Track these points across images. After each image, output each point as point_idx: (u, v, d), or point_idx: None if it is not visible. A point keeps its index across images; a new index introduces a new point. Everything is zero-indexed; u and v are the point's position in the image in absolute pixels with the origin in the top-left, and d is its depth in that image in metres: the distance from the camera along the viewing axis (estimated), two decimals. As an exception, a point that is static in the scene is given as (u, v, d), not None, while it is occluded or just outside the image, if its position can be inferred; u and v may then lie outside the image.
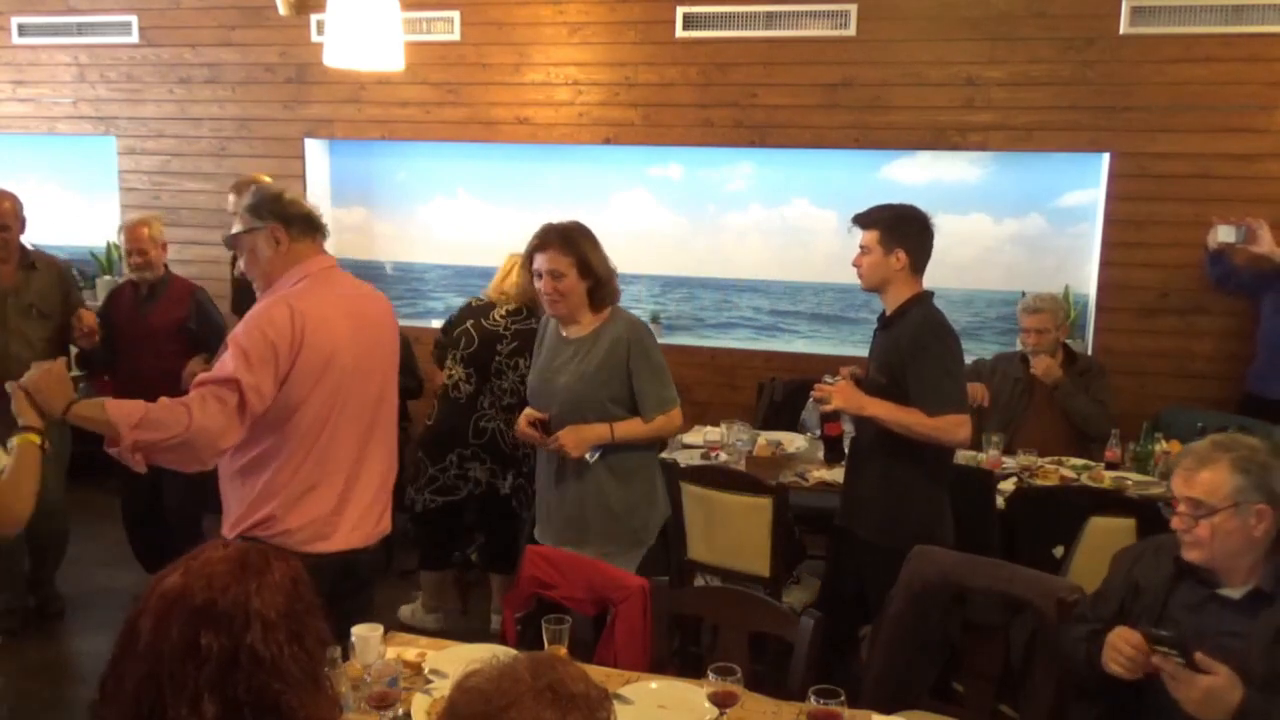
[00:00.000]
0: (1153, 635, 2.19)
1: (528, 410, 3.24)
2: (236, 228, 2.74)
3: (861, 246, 3.19)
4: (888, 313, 3.20)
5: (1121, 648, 2.23)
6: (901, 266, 3.12)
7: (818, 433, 3.41)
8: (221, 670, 1.30)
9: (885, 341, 3.19)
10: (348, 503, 2.68)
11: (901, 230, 3.14)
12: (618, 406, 3.15)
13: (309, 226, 2.72)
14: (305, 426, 2.59)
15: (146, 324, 4.47)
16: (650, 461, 3.32)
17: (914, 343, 3.06)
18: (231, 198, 4.59)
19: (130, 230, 4.53)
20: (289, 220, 2.68)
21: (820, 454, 3.58)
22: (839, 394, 3.14)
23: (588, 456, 3.11)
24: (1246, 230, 4.53)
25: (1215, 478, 2.25)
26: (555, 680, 1.28)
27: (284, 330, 2.53)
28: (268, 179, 4.79)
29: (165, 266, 4.60)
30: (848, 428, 3.38)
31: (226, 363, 2.50)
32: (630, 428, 3.15)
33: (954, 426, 3.02)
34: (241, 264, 2.82)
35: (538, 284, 3.18)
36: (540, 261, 3.14)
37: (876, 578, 3.01)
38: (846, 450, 3.35)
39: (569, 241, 3.12)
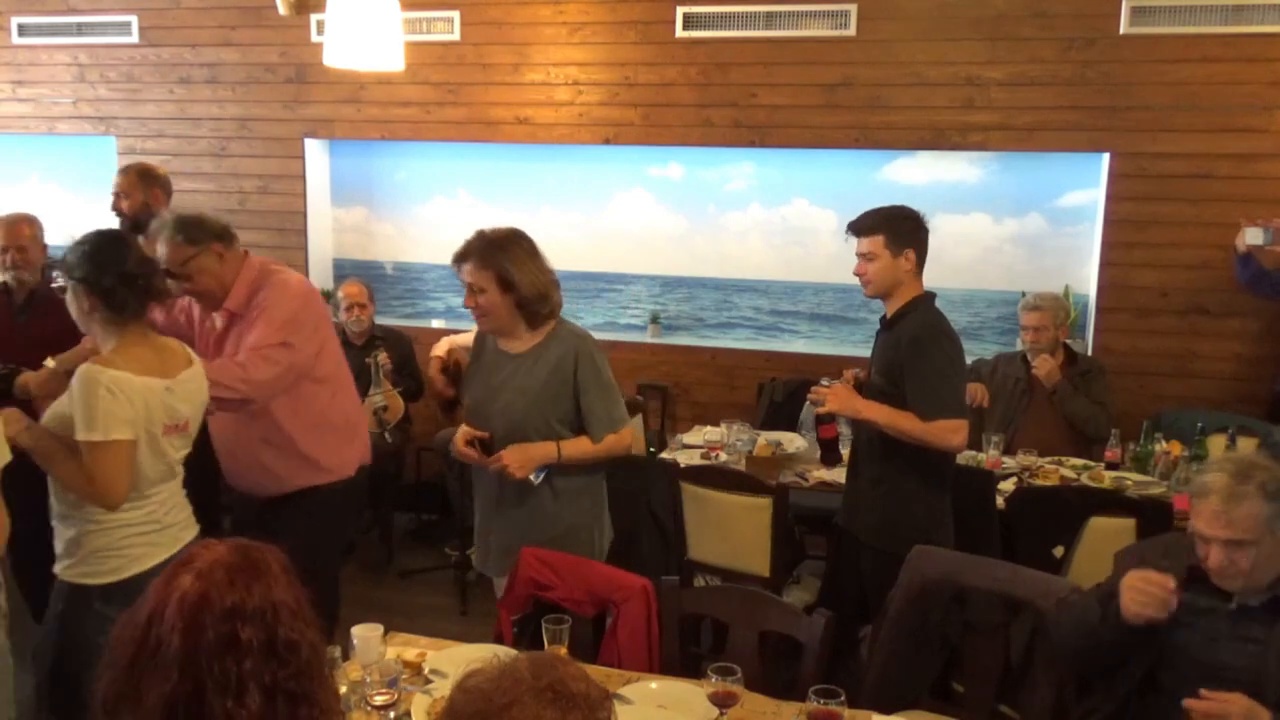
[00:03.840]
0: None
1: (465, 429, 3.02)
2: (168, 256, 3.09)
3: (864, 255, 3.12)
4: (888, 315, 3.18)
5: (1141, 585, 2.20)
6: (911, 267, 3.10)
7: (813, 434, 3.40)
8: (262, 660, 1.34)
9: (887, 343, 3.16)
10: (359, 425, 3.54)
11: (905, 230, 3.10)
12: (564, 427, 2.94)
13: (232, 236, 3.23)
14: (332, 368, 3.33)
15: (27, 335, 3.78)
16: (597, 483, 3.09)
17: (912, 345, 3.04)
18: (118, 179, 4.54)
19: (11, 228, 4.00)
20: (220, 235, 3.18)
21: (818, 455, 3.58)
22: (834, 397, 3.11)
23: (532, 478, 2.89)
24: (1274, 231, 4.31)
25: (1251, 512, 2.18)
26: (556, 680, 1.28)
27: (306, 295, 3.25)
28: (162, 168, 4.74)
29: (44, 272, 3.99)
30: (844, 430, 3.37)
31: (270, 332, 3.09)
32: (578, 446, 2.94)
33: (948, 432, 2.99)
34: (179, 287, 3.16)
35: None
36: (462, 274, 2.94)
37: (875, 579, 3.01)
38: (844, 452, 3.35)
39: (488, 255, 2.89)
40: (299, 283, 3.27)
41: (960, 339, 3.14)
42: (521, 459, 2.88)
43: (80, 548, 2.59)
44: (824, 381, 3.19)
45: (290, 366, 3.12)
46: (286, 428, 3.22)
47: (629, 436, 3.02)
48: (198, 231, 3.13)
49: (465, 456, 3.00)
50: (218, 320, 3.27)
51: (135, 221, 4.50)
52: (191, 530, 2.82)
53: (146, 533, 2.65)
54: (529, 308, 2.92)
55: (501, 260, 2.88)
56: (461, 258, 2.93)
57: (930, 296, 3.16)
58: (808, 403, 3.35)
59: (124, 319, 2.58)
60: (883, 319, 3.23)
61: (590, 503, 3.06)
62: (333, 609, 3.50)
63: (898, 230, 3.09)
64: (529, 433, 2.92)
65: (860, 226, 3.14)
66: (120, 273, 2.55)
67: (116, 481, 2.53)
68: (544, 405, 2.92)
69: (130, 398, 2.52)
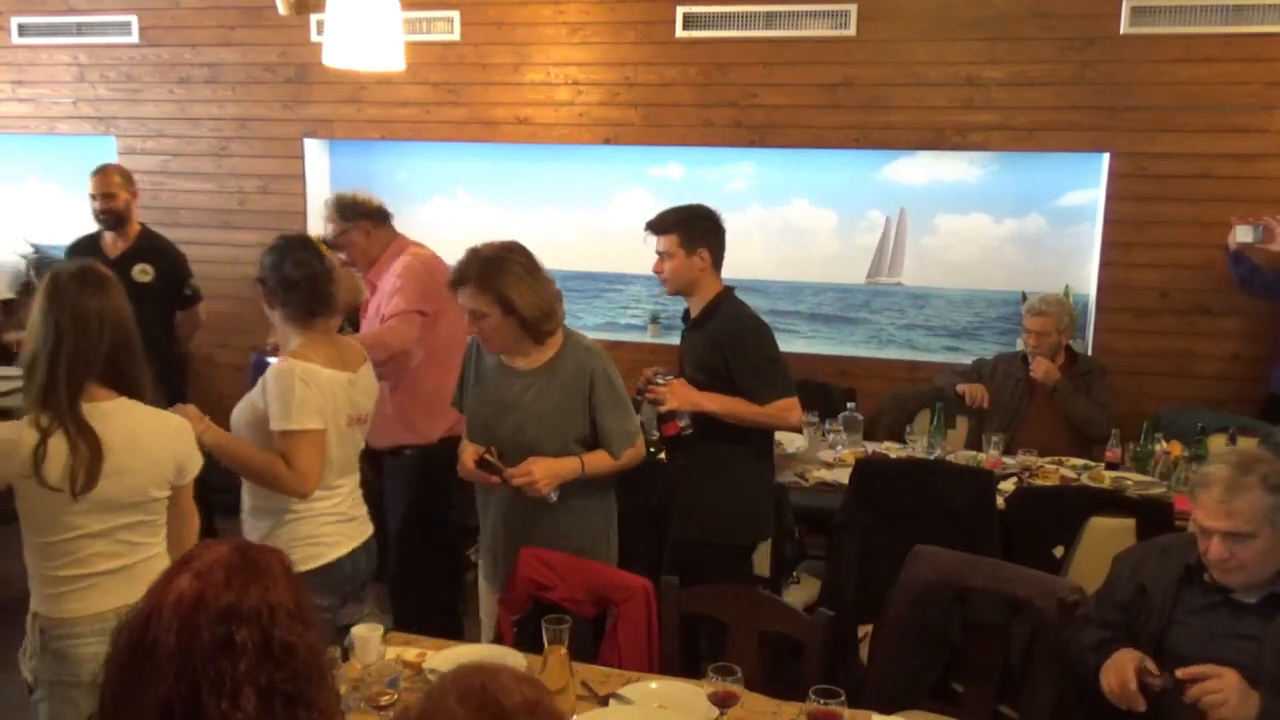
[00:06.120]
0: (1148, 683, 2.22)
1: (472, 446, 2.91)
2: (330, 230, 3.79)
3: (660, 253, 3.21)
4: (693, 313, 3.28)
5: (1119, 685, 2.25)
6: (706, 265, 3.21)
7: (655, 434, 3.37)
8: (257, 662, 1.33)
9: (698, 341, 3.25)
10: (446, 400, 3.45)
11: (700, 230, 3.20)
12: (579, 445, 2.87)
13: (383, 216, 3.85)
14: (436, 340, 3.76)
15: None
16: (610, 501, 3.04)
17: (734, 338, 3.15)
18: (97, 180, 4.76)
19: None
20: (370, 215, 3.79)
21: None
22: (673, 393, 3.14)
23: (552, 494, 2.80)
24: (1265, 229, 4.38)
25: (1252, 504, 2.19)
26: (488, 700, 1.22)
27: (433, 270, 3.71)
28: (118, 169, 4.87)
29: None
30: (683, 424, 3.36)
31: (403, 300, 3.62)
32: (599, 461, 2.86)
33: (785, 410, 3.14)
34: (341, 257, 3.66)
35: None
36: (460, 299, 2.83)
37: (714, 575, 2.88)
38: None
39: (486, 277, 2.76)
40: (428, 259, 3.81)
41: (767, 323, 3.27)
42: (549, 472, 2.77)
43: (279, 539, 2.68)
44: (659, 380, 3.16)
45: (420, 331, 3.62)
46: (403, 386, 3.64)
47: (643, 448, 3.03)
48: (350, 210, 3.75)
49: (477, 477, 2.90)
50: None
51: (119, 218, 4.75)
52: (370, 527, 2.93)
53: (336, 521, 2.79)
54: (534, 327, 2.80)
55: (500, 283, 2.75)
56: (459, 282, 2.81)
57: (730, 290, 3.28)
58: (645, 403, 3.31)
59: (294, 316, 2.73)
60: (686, 316, 3.34)
61: (603, 519, 3.01)
62: (438, 566, 3.87)
63: (691, 230, 3.19)
64: (543, 454, 2.82)
65: (656, 226, 3.23)
66: (280, 277, 2.71)
67: (311, 469, 2.65)
68: (559, 427, 2.84)
69: (321, 388, 2.66)
